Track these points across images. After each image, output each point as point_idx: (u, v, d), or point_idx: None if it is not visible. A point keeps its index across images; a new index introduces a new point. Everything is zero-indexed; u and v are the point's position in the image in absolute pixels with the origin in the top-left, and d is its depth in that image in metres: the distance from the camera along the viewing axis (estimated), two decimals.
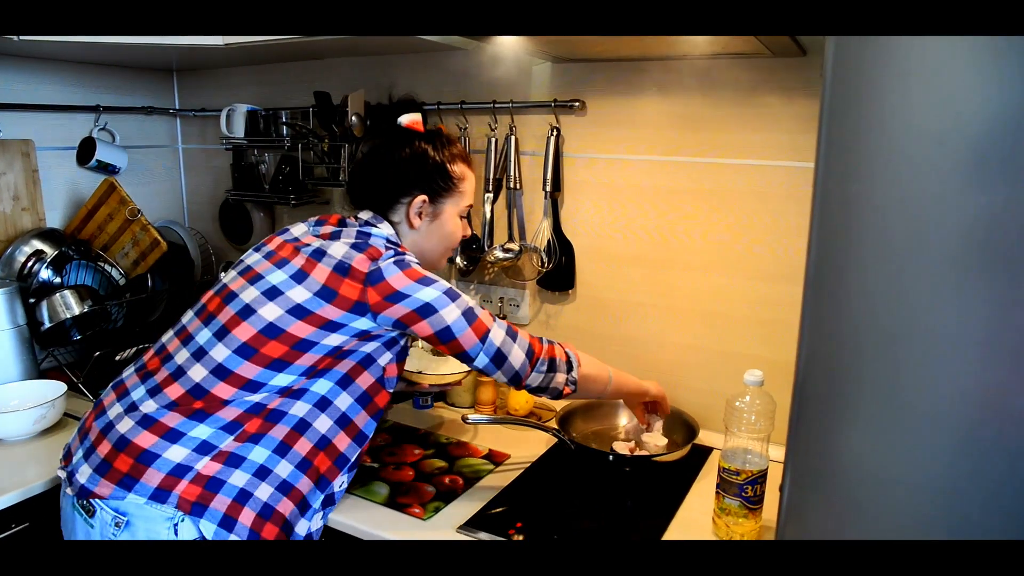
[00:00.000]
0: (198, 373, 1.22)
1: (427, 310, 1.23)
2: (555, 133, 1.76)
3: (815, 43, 1.43)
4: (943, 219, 0.72)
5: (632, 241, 1.77)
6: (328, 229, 1.34)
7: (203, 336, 1.25)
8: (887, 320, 0.77)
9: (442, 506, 1.38)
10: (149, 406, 1.22)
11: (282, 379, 1.22)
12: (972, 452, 0.76)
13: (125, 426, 1.21)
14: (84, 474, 1.20)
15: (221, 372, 1.21)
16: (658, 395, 1.57)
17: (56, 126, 2.12)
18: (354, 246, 1.27)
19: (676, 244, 1.72)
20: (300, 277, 1.24)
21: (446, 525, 1.33)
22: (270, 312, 1.22)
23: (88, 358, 1.91)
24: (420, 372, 1.62)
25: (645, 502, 1.44)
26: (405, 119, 1.42)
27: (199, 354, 1.24)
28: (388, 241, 1.32)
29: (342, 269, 1.23)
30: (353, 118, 1.88)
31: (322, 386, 1.25)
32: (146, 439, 1.18)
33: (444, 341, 1.25)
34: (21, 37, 1.60)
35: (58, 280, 1.95)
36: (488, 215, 1.87)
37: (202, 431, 1.19)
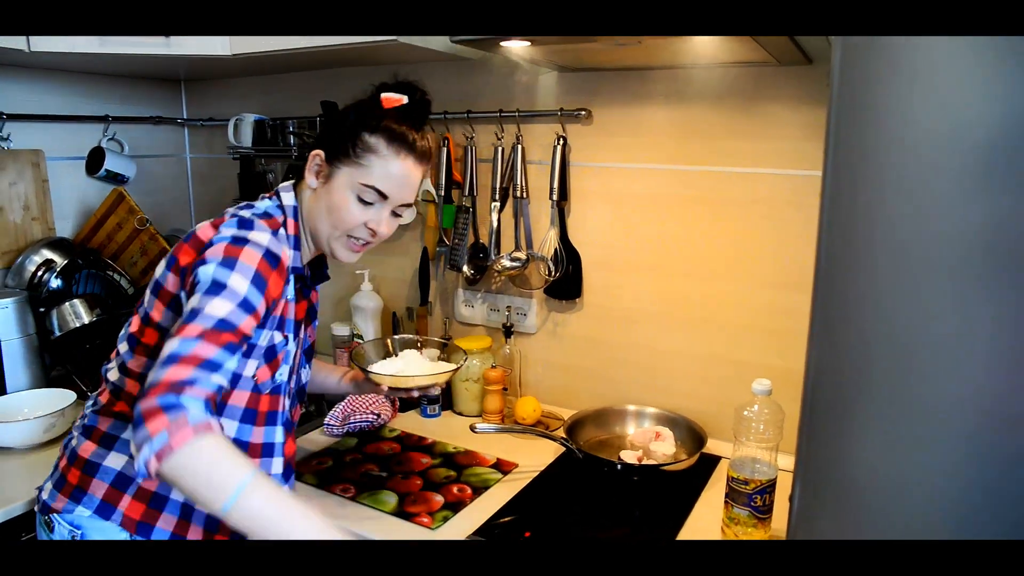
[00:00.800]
0: (113, 373, 1.23)
1: (202, 286, 1.06)
2: (562, 142, 1.76)
3: (821, 51, 1.43)
4: (950, 226, 0.73)
5: (639, 249, 1.77)
6: None
7: (122, 332, 1.25)
8: (895, 328, 0.77)
9: (450, 515, 1.38)
10: (90, 414, 1.24)
11: None
12: (980, 458, 0.76)
13: (75, 438, 1.24)
14: (46, 490, 1.23)
15: (124, 368, 1.21)
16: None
17: (65, 136, 2.13)
18: (230, 214, 1.18)
19: (683, 252, 1.72)
20: (170, 258, 1.18)
21: (455, 534, 1.33)
22: (147, 298, 1.20)
23: (97, 367, 1.91)
24: (383, 374, 1.44)
25: (653, 511, 1.43)
26: (387, 94, 1.25)
27: (117, 352, 1.24)
28: (266, 213, 1.21)
29: (187, 236, 1.17)
30: None
31: None
32: (87, 448, 1.20)
33: (182, 320, 1.04)
34: (32, 48, 1.62)
35: (67, 289, 1.96)
36: (495, 224, 1.88)
37: (130, 434, 1.16)
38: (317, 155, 1.23)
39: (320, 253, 1.32)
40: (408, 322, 2.11)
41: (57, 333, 1.88)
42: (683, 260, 1.72)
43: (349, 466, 1.58)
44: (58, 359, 1.93)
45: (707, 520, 1.39)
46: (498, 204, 1.87)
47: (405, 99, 1.24)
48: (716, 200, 1.65)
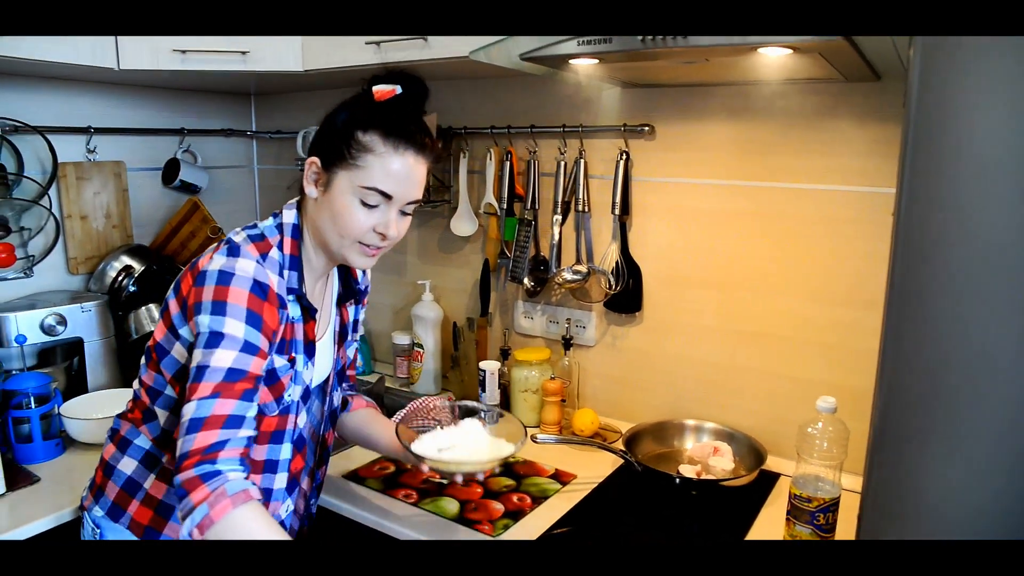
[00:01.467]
0: (136, 381, 1.28)
1: (202, 339, 1.07)
2: (624, 157, 1.78)
3: (889, 67, 1.43)
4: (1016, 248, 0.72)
5: (700, 264, 1.77)
6: None
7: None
8: (969, 348, 0.76)
9: (511, 524, 1.40)
10: (115, 417, 1.30)
11: (171, 389, 1.20)
12: None
13: (105, 440, 1.30)
14: (86, 491, 1.31)
15: (140, 379, 1.26)
16: None
17: (144, 148, 2.24)
18: (226, 239, 1.17)
19: (744, 268, 1.71)
20: (176, 282, 1.19)
21: None
22: (157, 316, 1.24)
23: None
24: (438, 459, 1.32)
25: (712, 526, 1.43)
26: (378, 87, 1.17)
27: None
28: (261, 235, 1.18)
29: (192, 264, 1.16)
30: None
31: None
32: (108, 450, 1.27)
33: (191, 379, 1.06)
34: (121, 67, 1.71)
35: (144, 294, 2.04)
36: (556, 237, 1.90)
37: (143, 440, 1.23)
38: (313, 163, 1.17)
39: (338, 264, 1.29)
40: (468, 332, 2.14)
41: (135, 336, 1.97)
42: (744, 275, 1.72)
43: (410, 472, 1.61)
44: (135, 361, 2.02)
45: (767, 537, 1.38)
46: (560, 217, 1.89)
47: (398, 89, 1.16)
48: (778, 216, 1.65)
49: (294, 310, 1.21)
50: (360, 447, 1.55)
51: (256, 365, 1.08)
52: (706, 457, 1.61)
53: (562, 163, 1.87)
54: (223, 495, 0.98)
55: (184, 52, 1.76)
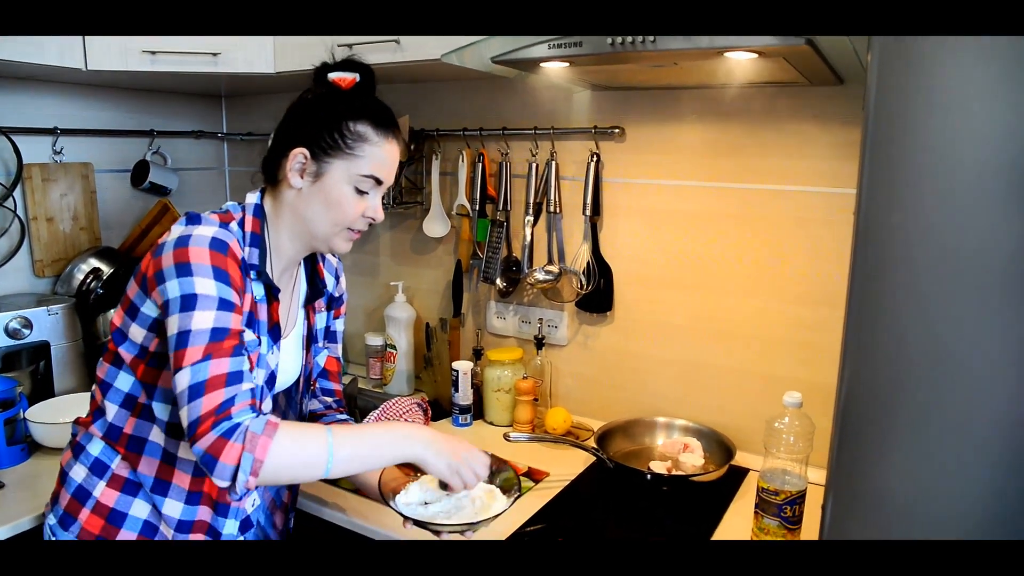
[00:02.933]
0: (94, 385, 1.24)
1: (174, 305, 1.04)
2: (595, 158, 1.80)
3: (851, 71, 1.46)
4: (982, 244, 0.75)
5: (670, 264, 1.80)
6: None
7: None
8: (927, 343, 0.79)
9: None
10: (74, 424, 1.27)
11: (122, 380, 1.17)
12: (1015, 470, 0.77)
13: (65, 448, 1.27)
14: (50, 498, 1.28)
15: (95, 377, 1.23)
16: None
17: (112, 150, 2.21)
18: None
19: (714, 268, 1.75)
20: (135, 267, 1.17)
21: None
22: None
23: None
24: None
25: (683, 520, 1.45)
26: (335, 75, 1.21)
27: None
28: (223, 210, 1.19)
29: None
30: None
31: (157, 409, 1.16)
32: (65, 457, 1.25)
33: (174, 348, 1.03)
34: (89, 67, 1.69)
35: (113, 296, 2.01)
36: (528, 238, 1.91)
37: (95, 444, 1.20)
38: (299, 153, 1.16)
39: (315, 252, 1.30)
40: (441, 333, 2.15)
41: (103, 339, 1.94)
42: (713, 275, 1.75)
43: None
44: None
45: (737, 530, 1.41)
46: (532, 218, 1.90)
47: (357, 77, 1.22)
48: (747, 216, 1.68)
49: (257, 289, 1.19)
50: None
51: (236, 321, 1.07)
52: (676, 453, 1.63)
53: (534, 165, 1.89)
54: (255, 437, 0.99)
55: (154, 53, 1.74)
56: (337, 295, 1.45)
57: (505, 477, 1.30)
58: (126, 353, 1.16)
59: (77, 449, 1.22)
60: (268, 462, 0.99)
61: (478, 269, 2.03)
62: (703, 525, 1.43)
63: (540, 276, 1.89)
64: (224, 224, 1.14)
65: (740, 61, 1.30)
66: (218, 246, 1.08)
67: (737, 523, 1.43)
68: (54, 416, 1.70)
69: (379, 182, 1.20)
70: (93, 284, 2.01)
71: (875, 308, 0.83)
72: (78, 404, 1.76)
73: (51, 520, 1.22)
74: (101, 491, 1.17)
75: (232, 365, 1.03)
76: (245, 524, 1.25)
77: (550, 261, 1.93)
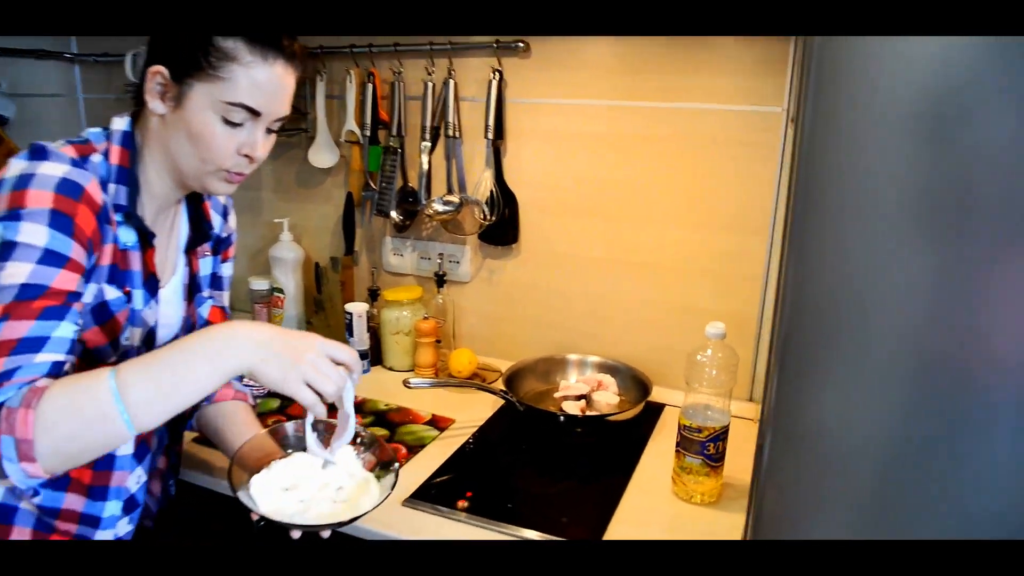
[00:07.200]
0: None
1: None
2: (497, 76, 1.65)
3: None
4: (903, 183, 0.74)
5: (580, 192, 1.68)
6: None
7: None
8: (855, 280, 0.79)
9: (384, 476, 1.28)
10: None
11: None
12: (923, 403, 0.77)
13: None
14: None
15: None
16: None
17: None
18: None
19: (627, 193, 1.64)
20: None
21: (390, 499, 1.22)
22: None
23: None
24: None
25: (600, 463, 1.38)
26: None
27: None
28: (83, 139, 1.00)
29: None
30: None
31: None
32: None
33: None
34: None
35: None
36: (425, 166, 1.76)
37: None
38: (157, 72, 0.98)
39: (191, 192, 1.12)
40: (332, 273, 1.98)
41: None
42: (627, 202, 1.64)
43: (272, 430, 1.45)
44: None
45: (656, 470, 1.34)
46: (428, 144, 1.75)
47: None
48: (663, 138, 1.58)
49: (127, 235, 1.01)
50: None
51: (64, 279, 0.89)
52: (591, 391, 1.55)
53: (430, 85, 1.72)
54: (11, 413, 0.80)
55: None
56: (225, 235, 1.27)
57: (381, 461, 1.15)
58: None
59: None
60: (40, 440, 0.80)
61: (371, 202, 1.88)
62: (621, 467, 1.35)
63: (439, 207, 1.75)
64: (82, 158, 0.96)
65: None
66: (68, 189, 0.91)
67: (656, 464, 1.36)
68: None
69: (255, 113, 1.00)
70: None
71: (811, 245, 0.81)
72: None
73: None
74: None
75: (34, 330, 0.85)
76: (130, 504, 1.09)
77: (450, 190, 1.78)
